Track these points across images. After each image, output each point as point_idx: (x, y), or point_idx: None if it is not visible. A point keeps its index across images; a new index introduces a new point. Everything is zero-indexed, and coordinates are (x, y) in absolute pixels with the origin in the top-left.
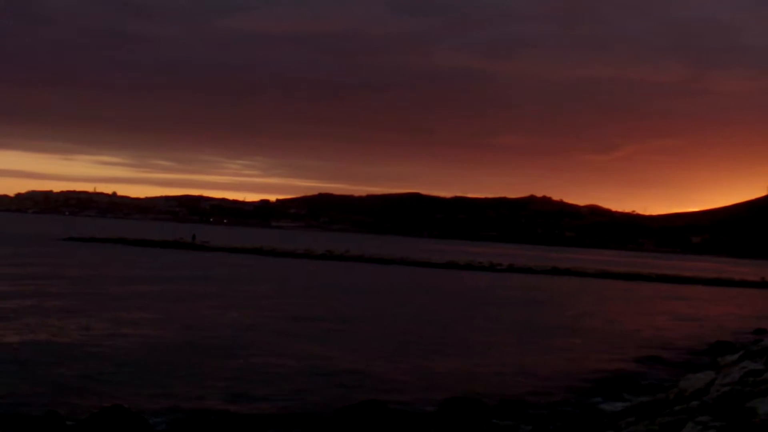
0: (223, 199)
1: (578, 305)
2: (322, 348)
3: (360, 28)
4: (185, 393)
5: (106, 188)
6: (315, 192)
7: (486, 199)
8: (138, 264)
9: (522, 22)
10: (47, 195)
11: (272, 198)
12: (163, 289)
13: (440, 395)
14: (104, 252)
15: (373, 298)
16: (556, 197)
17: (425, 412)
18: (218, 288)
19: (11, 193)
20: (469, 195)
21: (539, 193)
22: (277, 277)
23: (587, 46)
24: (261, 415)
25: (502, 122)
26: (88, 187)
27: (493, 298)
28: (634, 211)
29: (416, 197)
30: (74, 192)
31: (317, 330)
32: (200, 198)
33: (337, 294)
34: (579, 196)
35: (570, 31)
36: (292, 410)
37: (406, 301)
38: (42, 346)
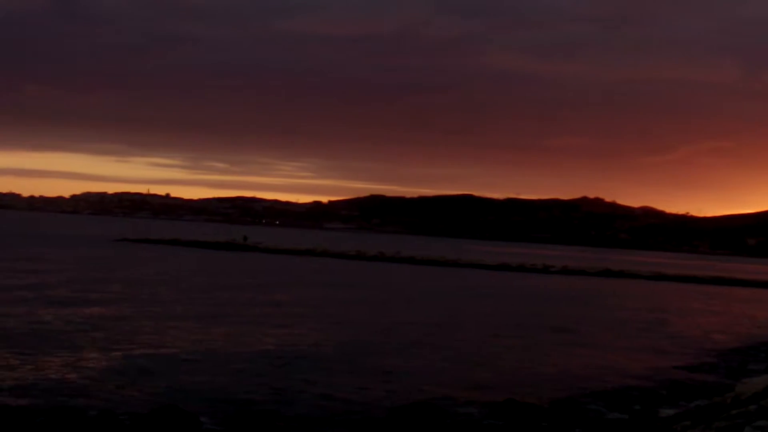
0: (276, 201)
1: (630, 307)
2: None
3: (411, 29)
4: (234, 389)
5: (160, 190)
6: (366, 193)
7: (538, 201)
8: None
9: (575, 22)
10: (102, 196)
11: (324, 200)
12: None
13: (489, 397)
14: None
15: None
16: (608, 199)
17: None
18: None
19: (66, 194)
20: (522, 196)
21: (592, 195)
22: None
23: (641, 46)
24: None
25: (556, 124)
26: (142, 189)
27: (546, 299)
28: (688, 212)
29: (468, 199)
30: (128, 193)
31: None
32: (253, 200)
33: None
34: (632, 198)
35: (623, 32)
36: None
37: (468, 305)
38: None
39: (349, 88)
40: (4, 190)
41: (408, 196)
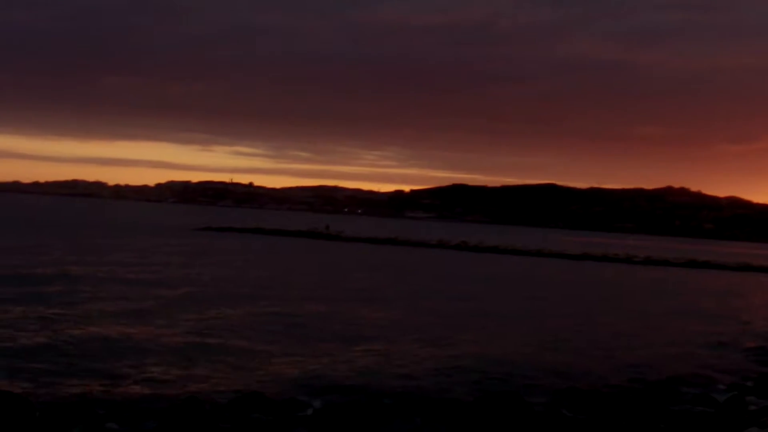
0: (358, 190)
1: (716, 298)
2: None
3: (496, 18)
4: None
5: (243, 179)
6: (449, 183)
7: (622, 191)
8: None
9: (660, 10)
10: (186, 185)
11: (406, 188)
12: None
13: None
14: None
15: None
16: (694, 188)
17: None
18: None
19: (151, 183)
20: (605, 186)
21: (677, 184)
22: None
23: (727, 34)
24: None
25: (640, 112)
26: (225, 178)
27: (629, 289)
28: None
29: (551, 188)
30: (212, 182)
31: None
32: (335, 188)
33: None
34: (718, 188)
35: (709, 20)
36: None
37: (556, 294)
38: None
39: (432, 77)
40: (91, 178)
41: (490, 185)
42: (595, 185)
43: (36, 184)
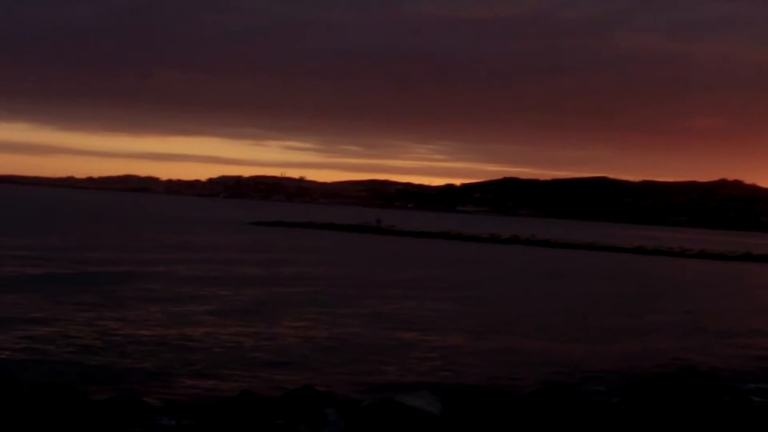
0: (409, 184)
1: None
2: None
3: (548, 10)
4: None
5: (294, 173)
6: (500, 176)
7: (675, 183)
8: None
9: (714, 2)
10: (237, 180)
11: (457, 182)
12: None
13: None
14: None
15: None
16: (748, 181)
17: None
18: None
19: (203, 177)
20: (658, 179)
21: (731, 177)
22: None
23: None
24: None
25: (693, 105)
26: (277, 172)
27: (683, 283)
28: None
29: (603, 181)
30: (263, 177)
31: None
32: (386, 182)
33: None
34: None
35: (763, 11)
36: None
37: (602, 286)
38: None
39: (483, 70)
40: (144, 174)
41: (542, 178)
42: (648, 178)
43: (90, 180)
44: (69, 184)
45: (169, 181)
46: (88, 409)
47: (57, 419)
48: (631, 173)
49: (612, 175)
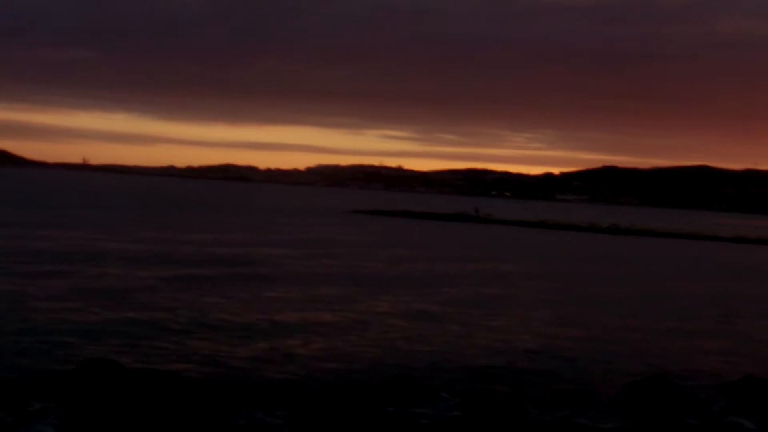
0: (506, 173)
1: None
2: None
3: None
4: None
5: (392, 162)
6: (599, 165)
7: None
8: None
9: None
10: (335, 169)
11: (556, 171)
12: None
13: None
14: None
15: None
16: None
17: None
18: None
19: (302, 167)
20: (761, 167)
21: None
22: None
23: None
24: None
25: None
26: (375, 161)
27: None
28: None
29: (704, 170)
30: (361, 166)
31: None
32: (484, 171)
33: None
34: None
35: None
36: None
37: (702, 280)
38: None
39: (581, 58)
40: (243, 163)
41: (641, 167)
42: (751, 167)
43: (189, 169)
44: (169, 173)
45: (268, 170)
46: (186, 396)
47: (155, 405)
48: (734, 161)
49: (713, 164)
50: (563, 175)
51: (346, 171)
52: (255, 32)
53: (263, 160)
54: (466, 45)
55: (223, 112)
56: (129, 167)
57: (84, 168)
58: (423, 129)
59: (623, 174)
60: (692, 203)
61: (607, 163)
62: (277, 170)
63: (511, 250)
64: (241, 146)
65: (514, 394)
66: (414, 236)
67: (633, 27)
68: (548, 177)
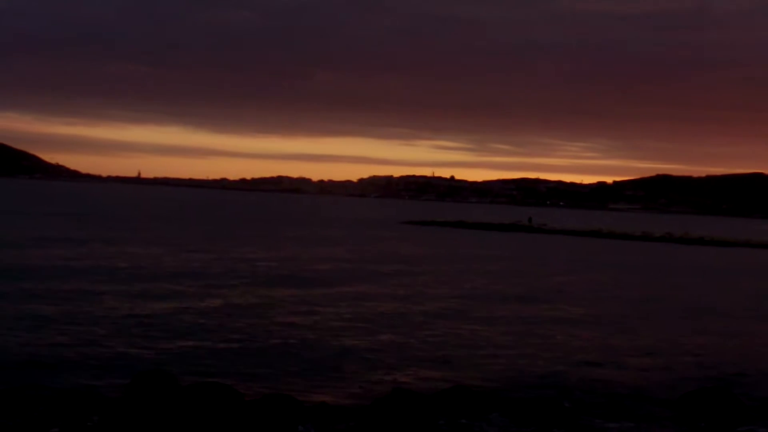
0: (559, 182)
1: None
2: None
3: (709, 3)
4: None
5: (444, 172)
6: (653, 173)
7: None
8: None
9: None
10: (388, 180)
11: (609, 180)
12: None
13: None
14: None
15: None
16: None
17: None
18: None
19: (354, 178)
20: None
21: None
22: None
23: None
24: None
25: None
26: (427, 172)
27: None
28: None
29: (760, 177)
30: (413, 176)
31: None
32: (537, 181)
33: None
34: None
35: None
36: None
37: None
38: None
39: (636, 65)
40: (296, 174)
41: (695, 175)
42: None
43: (243, 181)
44: (222, 185)
45: (321, 182)
46: (241, 409)
47: (211, 420)
48: None
49: None
50: (617, 183)
51: (399, 182)
52: (309, 44)
53: (316, 172)
54: (518, 54)
55: (276, 125)
56: (182, 180)
57: (138, 181)
58: (476, 139)
59: (677, 182)
60: (748, 211)
61: (661, 172)
62: (329, 181)
63: (580, 260)
64: (294, 158)
65: (573, 408)
66: (485, 247)
67: (687, 34)
68: (602, 186)
